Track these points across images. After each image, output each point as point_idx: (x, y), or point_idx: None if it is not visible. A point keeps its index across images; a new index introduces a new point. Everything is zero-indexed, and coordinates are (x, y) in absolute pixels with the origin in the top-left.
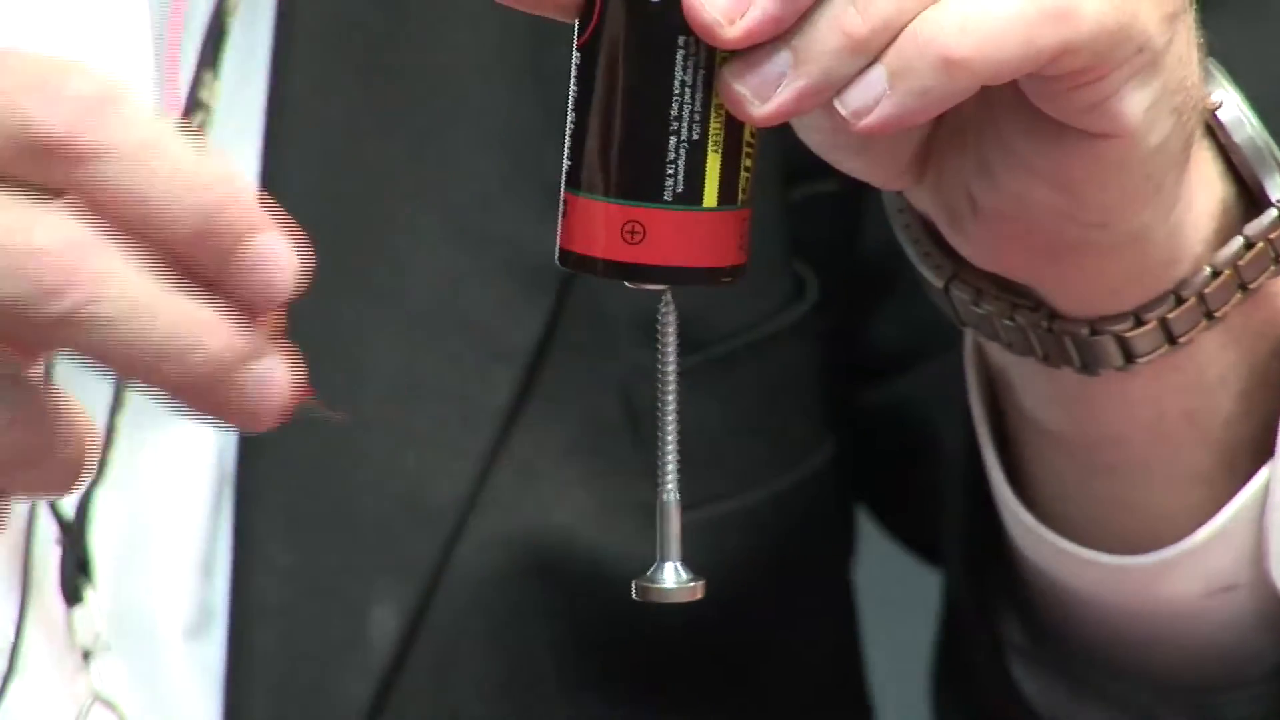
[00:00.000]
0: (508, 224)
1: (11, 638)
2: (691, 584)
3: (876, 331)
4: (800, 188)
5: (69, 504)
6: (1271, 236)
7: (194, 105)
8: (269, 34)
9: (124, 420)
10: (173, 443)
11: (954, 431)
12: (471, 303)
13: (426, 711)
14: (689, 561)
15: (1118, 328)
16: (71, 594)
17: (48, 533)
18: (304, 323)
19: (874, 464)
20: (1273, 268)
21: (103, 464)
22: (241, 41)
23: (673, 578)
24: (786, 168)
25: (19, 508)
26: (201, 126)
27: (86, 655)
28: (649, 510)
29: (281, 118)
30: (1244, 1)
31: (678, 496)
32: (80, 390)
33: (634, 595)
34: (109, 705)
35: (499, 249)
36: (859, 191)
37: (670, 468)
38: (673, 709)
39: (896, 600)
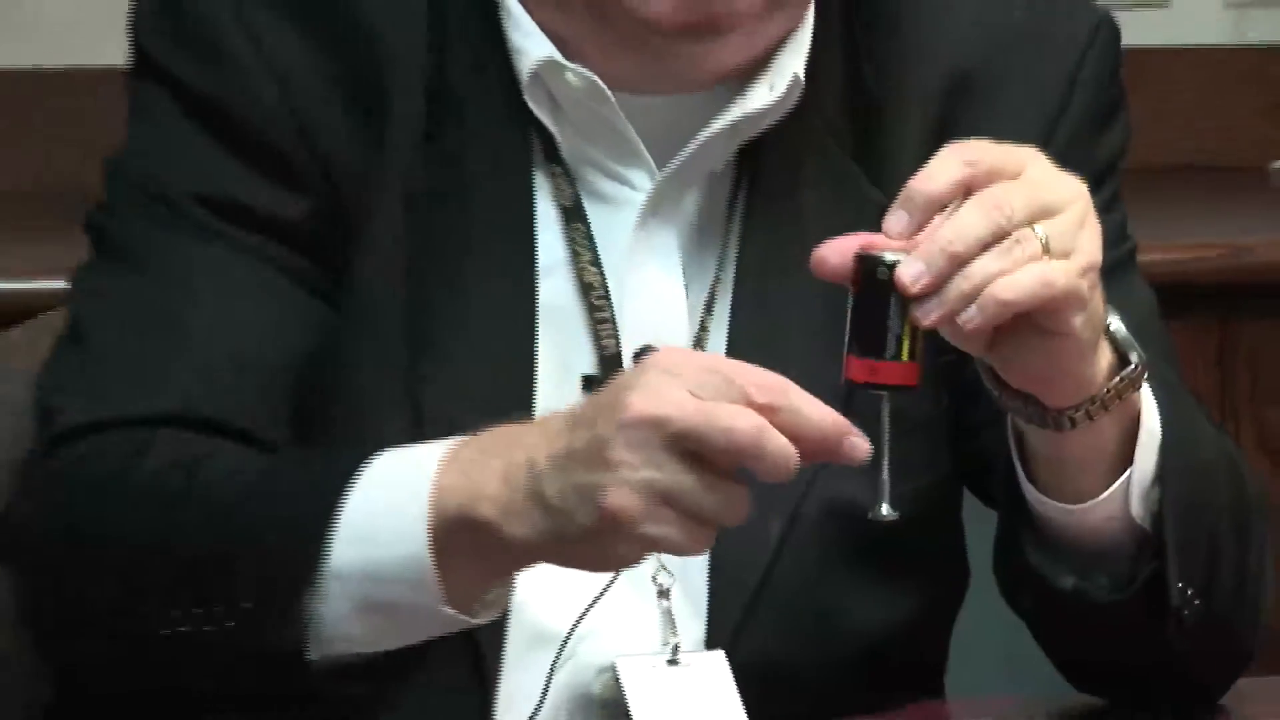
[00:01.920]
0: (827, 365)
1: None
2: (896, 514)
3: (974, 412)
4: (942, 357)
5: None
6: (1131, 376)
7: (702, 328)
8: (730, 287)
9: None
10: None
11: (1002, 452)
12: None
13: (788, 568)
14: (893, 504)
15: (1068, 413)
16: None
17: None
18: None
19: (976, 469)
20: (1131, 389)
21: None
22: (720, 301)
23: (887, 511)
24: (937, 350)
25: None
26: (704, 333)
27: None
28: (873, 482)
29: (739, 327)
30: (1116, 281)
31: (889, 479)
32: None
33: (869, 517)
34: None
35: (827, 376)
36: (965, 357)
37: (885, 466)
38: (869, 577)
39: (979, 532)
